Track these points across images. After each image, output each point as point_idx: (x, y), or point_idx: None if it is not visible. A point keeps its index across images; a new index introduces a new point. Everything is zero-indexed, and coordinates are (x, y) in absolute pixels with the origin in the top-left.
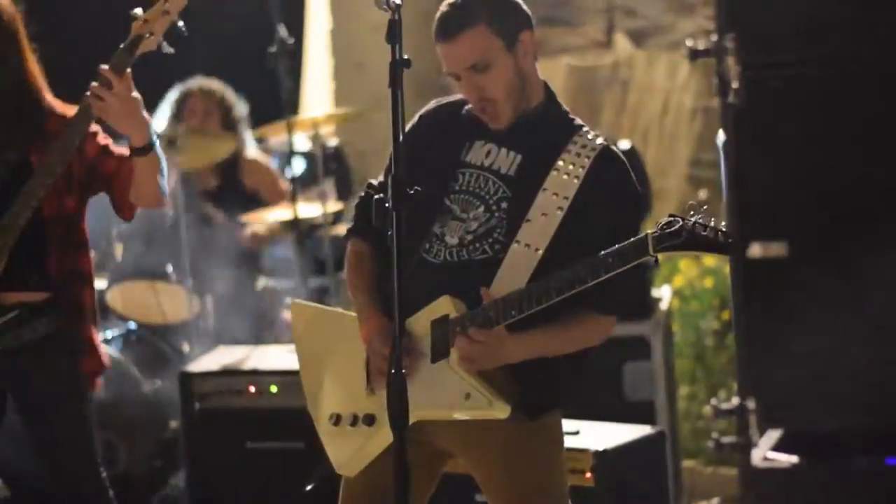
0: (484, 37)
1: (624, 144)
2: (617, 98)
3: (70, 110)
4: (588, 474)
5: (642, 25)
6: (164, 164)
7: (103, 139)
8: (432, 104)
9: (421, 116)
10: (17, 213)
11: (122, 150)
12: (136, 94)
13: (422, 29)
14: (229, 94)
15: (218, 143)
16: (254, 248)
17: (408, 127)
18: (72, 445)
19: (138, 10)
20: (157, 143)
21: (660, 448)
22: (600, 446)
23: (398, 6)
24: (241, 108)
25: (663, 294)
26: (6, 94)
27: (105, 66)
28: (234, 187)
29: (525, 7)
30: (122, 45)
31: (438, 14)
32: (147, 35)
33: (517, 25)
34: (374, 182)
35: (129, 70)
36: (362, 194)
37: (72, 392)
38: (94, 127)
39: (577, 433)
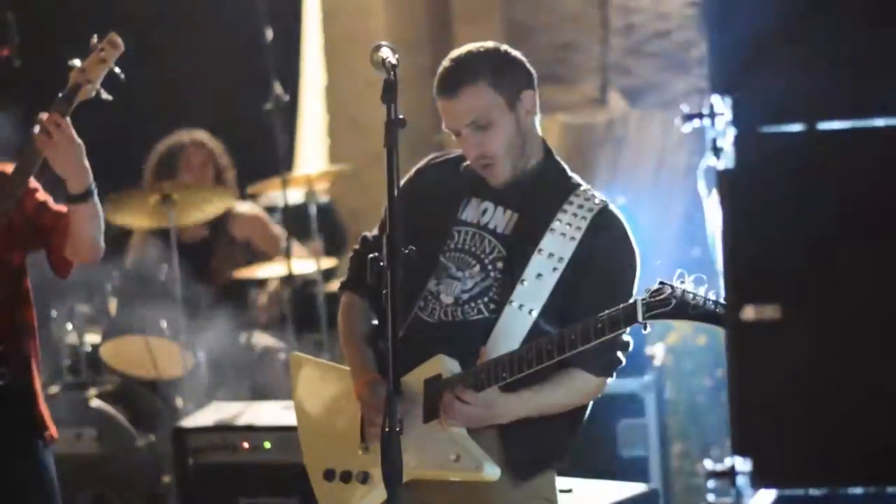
0: (485, 94)
1: (619, 202)
2: (611, 156)
3: None
4: None
5: (637, 84)
6: (102, 215)
7: (42, 195)
8: (429, 159)
9: (417, 171)
10: None
11: (61, 207)
12: (78, 140)
13: (418, 85)
14: (218, 146)
15: (213, 198)
16: (271, 316)
17: (403, 182)
18: (34, 496)
19: (76, 61)
20: (96, 192)
21: None
22: None
23: (394, 66)
24: (229, 160)
25: (657, 351)
26: None
27: (45, 114)
28: (223, 239)
29: (529, 66)
30: (60, 94)
31: (441, 69)
32: (85, 83)
33: (519, 84)
34: (369, 235)
35: (68, 118)
36: (357, 247)
37: (31, 442)
38: (34, 183)
39: (570, 491)
